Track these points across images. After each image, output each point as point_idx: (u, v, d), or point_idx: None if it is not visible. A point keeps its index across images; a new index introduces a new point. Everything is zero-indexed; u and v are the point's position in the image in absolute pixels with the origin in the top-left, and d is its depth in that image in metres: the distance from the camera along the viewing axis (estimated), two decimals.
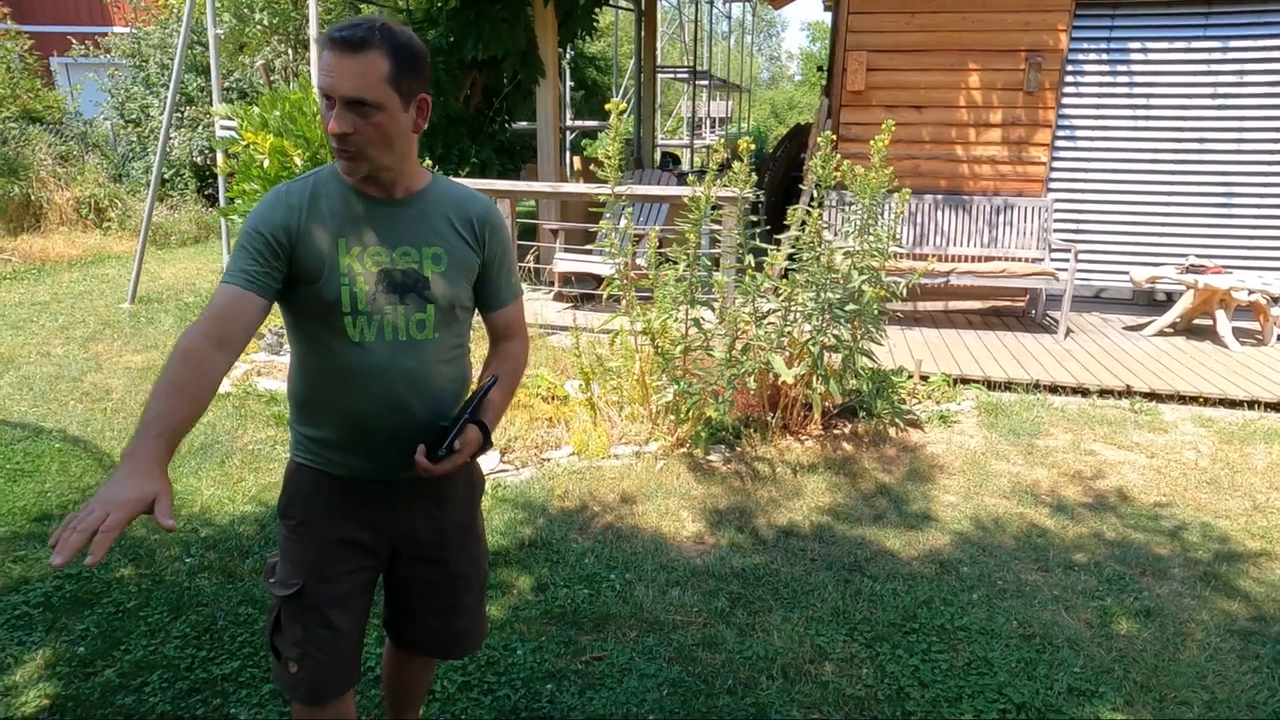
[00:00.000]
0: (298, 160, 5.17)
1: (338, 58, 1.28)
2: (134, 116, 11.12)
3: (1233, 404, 4.41)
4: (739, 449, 3.81)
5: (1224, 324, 5.34)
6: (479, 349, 1.61)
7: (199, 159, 10.60)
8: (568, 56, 13.98)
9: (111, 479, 1.12)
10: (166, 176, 10.48)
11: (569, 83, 15.56)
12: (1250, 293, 5.26)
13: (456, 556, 1.62)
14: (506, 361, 1.62)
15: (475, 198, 1.53)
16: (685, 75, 15.53)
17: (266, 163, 5.14)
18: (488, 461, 3.63)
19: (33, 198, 8.92)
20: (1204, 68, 5.70)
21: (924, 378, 4.63)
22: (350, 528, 1.51)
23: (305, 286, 1.39)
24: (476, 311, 1.60)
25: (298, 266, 1.38)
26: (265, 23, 9.78)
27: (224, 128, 6.18)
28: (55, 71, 14.94)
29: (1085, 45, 5.80)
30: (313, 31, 6.87)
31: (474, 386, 1.57)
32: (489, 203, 1.55)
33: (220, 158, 6.22)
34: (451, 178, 5.70)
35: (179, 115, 10.40)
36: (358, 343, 1.41)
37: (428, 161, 6.39)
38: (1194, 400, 4.45)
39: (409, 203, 1.45)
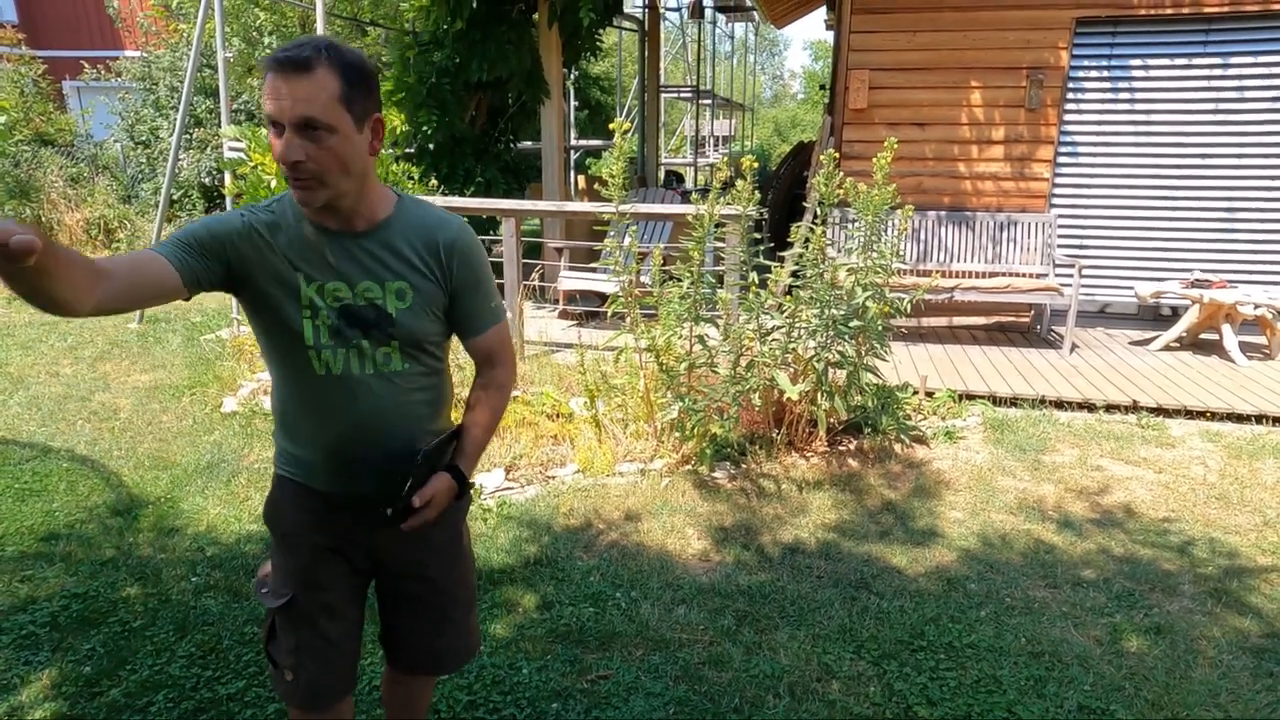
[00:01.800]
0: None
1: (284, 80, 1.21)
2: (144, 138, 11.26)
3: (1240, 418, 4.39)
4: (744, 466, 3.80)
5: (1230, 338, 5.33)
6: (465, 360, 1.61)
7: (207, 180, 10.71)
8: (572, 77, 14.11)
9: None
10: (175, 197, 10.58)
11: (573, 102, 15.70)
12: (1256, 307, 5.25)
13: (442, 573, 1.62)
14: (488, 392, 1.55)
15: (444, 223, 1.44)
16: (689, 94, 15.68)
17: (274, 183, 5.19)
18: (492, 479, 3.63)
19: (43, 219, 9.02)
20: (1205, 83, 5.73)
21: (929, 394, 4.62)
22: (333, 538, 1.52)
23: (266, 314, 1.38)
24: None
25: (253, 291, 1.36)
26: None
27: (232, 149, 6.25)
28: (67, 95, 15.15)
29: (1086, 62, 5.83)
30: None
31: (456, 418, 1.55)
32: (458, 228, 1.45)
33: (228, 178, 6.28)
34: (429, 199, 5.62)
35: (188, 137, 10.52)
36: (323, 375, 1.39)
37: (433, 181, 6.44)
38: (1201, 415, 4.43)
39: (372, 234, 1.38)
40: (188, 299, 1.32)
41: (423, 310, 1.41)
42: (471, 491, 1.71)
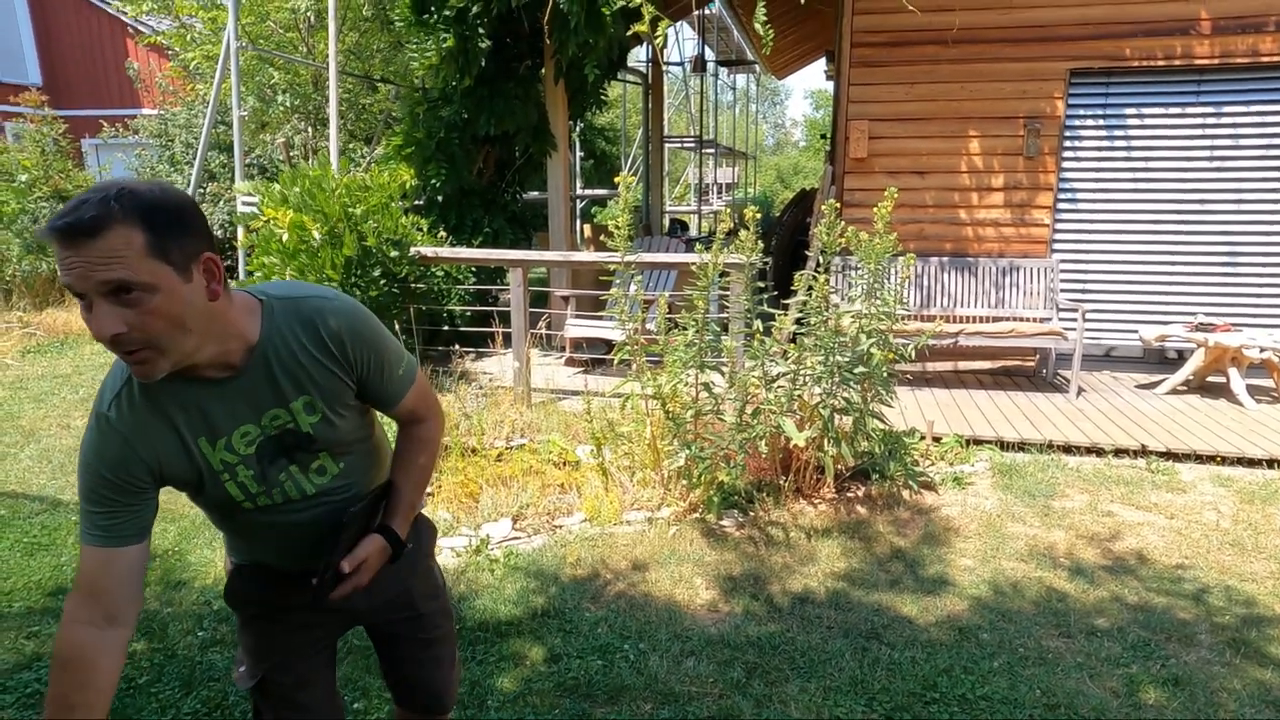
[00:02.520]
0: (316, 234, 5.33)
1: (73, 249, 1.00)
2: None
3: (1251, 463, 4.36)
4: (752, 513, 3.78)
5: (1237, 381, 5.32)
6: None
7: (220, 233, 10.90)
8: (577, 129, 14.41)
9: None
10: None
11: (579, 153, 16.01)
12: (1262, 350, 5.25)
13: (427, 607, 1.62)
14: (414, 449, 1.46)
15: (322, 312, 1.26)
16: (692, 144, 15.96)
17: (286, 237, 5.30)
18: (499, 529, 3.62)
19: (59, 274, 9.18)
20: (1199, 131, 5.83)
21: (936, 439, 4.61)
22: (297, 612, 1.48)
23: (185, 492, 1.29)
24: None
25: (167, 482, 1.25)
26: (287, 104, 10.18)
27: (245, 203, 6.39)
28: (86, 153, 15.54)
29: (1082, 111, 5.95)
30: (332, 110, 7.16)
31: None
32: (335, 309, 1.27)
33: (241, 232, 6.41)
34: (435, 250, 5.63)
35: (201, 191, 10.75)
36: (261, 508, 1.32)
37: (442, 232, 6.55)
38: (1211, 459, 4.40)
39: (254, 364, 1.22)
40: None
41: (336, 414, 1.31)
42: (433, 524, 1.71)
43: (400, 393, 1.39)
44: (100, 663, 1.14)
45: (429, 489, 3.99)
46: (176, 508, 3.88)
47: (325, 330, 1.25)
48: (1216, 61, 5.61)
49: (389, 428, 1.52)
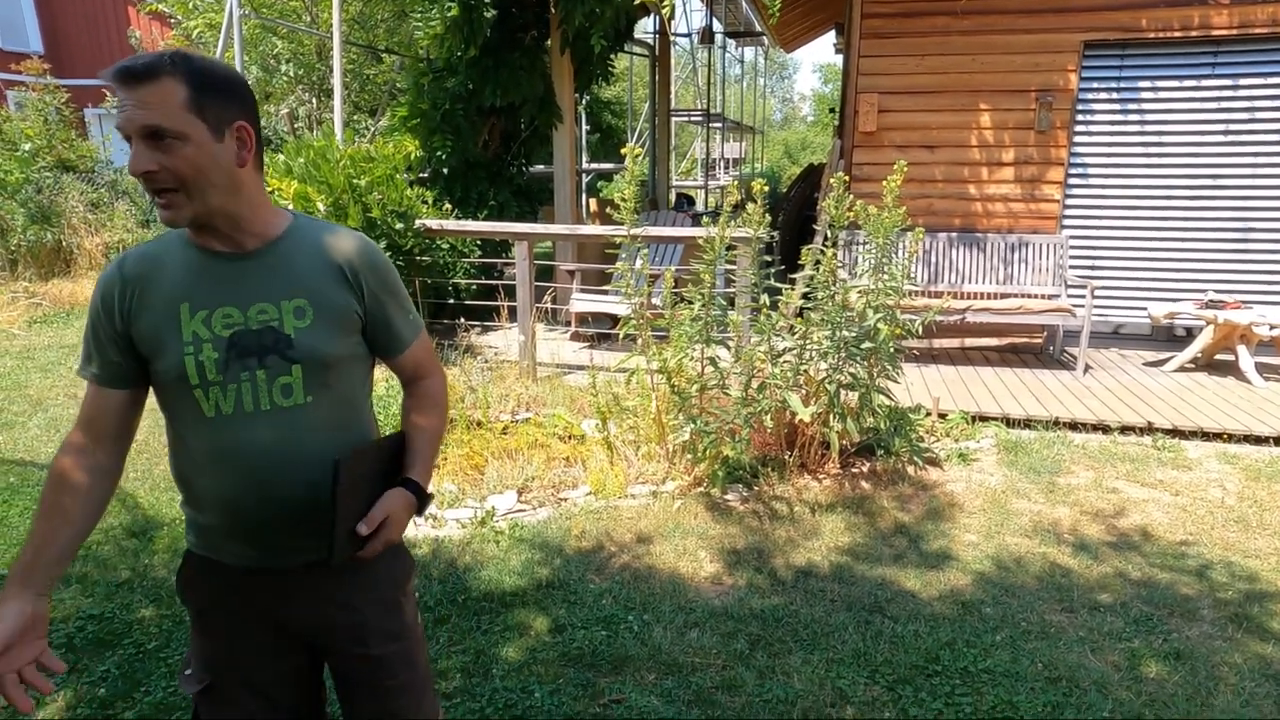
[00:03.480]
0: (320, 206, 5.31)
1: (126, 90, 1.15)
2: None
3: (1258, 440, 4.34)
4: (756, 488, 3.79)
5: (1246, 359, 5.29)
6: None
7: None
8: (584, 101, 14.27)
9: None
10: None
11: (585, 126, 15.86)
12: (1271, 328, 5.21)
13: (383, 650, 1.41)
14: (425, 405, 1.45)
15: (344, 236, 1.35)
16: (699, 118, 15.80)
17: (290, 207, 5.27)
18: (504, 501, 3.64)
19: (64, 243, 9.17)
20: (1215, 105, 5.74)
21: (942, 415, 4.60)
22: (251, 619, 1.38)
23: (151, 361, 1.27)
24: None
25: (137, 341, 1.26)
26: (291, 74, 10.09)
27: None
28: (89, 122, 15.45)
29: (1095, 85, 5.86)
30: (337, 80, 7.09)
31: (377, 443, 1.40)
32: (359, 239, 1.36)
33: None
34: (442, 223, 5.65)
35: None
36: (212, 418, 1.25)
37: (447, 205, 6.52)
38: (1218, 436, 4.39)
39: (264, 252, 1.28)
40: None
41: (325, 328, 1.29)
42: (411, 556, 1.53)
43: (409, 337, 1.42)
44: (77, 477, 1.27)
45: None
46: None
47: (342, 251, 1.33)
48: (1235, 32, 5.51)
49: (387, 426, 1.47)
